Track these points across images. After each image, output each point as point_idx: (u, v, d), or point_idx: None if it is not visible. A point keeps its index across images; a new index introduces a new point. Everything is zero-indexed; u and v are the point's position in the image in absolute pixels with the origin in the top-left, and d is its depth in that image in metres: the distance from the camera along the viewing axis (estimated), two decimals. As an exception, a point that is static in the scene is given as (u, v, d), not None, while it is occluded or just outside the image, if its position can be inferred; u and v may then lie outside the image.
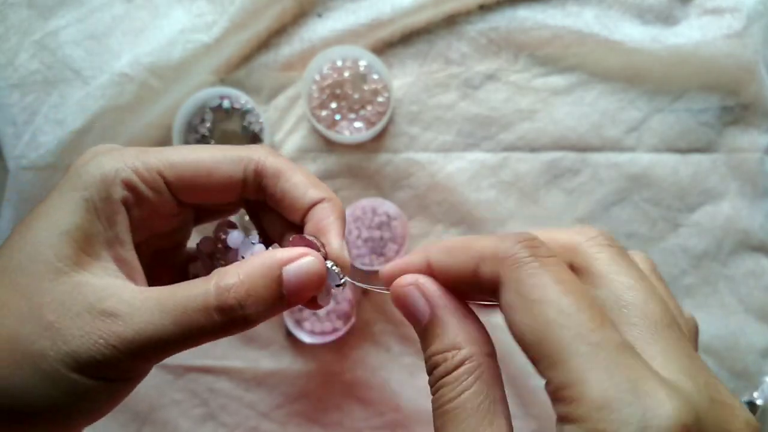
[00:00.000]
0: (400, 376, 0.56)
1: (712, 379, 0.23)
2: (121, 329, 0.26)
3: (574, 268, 0.26)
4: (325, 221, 0.30)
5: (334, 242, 0.30)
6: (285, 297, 0.28)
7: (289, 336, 0.56)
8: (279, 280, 0.28)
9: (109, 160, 0.29)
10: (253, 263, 0.28)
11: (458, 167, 0.56)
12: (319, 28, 0.56)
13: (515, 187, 0.57)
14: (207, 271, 0.29)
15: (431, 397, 0.25)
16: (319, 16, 0.57)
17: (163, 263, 0.35)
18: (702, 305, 0.56)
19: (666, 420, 0.20)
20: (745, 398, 0.55)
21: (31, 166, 0.54)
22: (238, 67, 0.57)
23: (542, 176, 0.57)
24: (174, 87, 0.55)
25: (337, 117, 0.56)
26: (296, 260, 0.28)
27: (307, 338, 0.54)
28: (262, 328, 0.56)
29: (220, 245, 0.33)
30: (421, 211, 0.57)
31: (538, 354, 0.22)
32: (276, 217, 0.33)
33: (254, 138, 0.56)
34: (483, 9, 0.57)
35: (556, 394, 0.21)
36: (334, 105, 0.56)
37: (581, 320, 0.22)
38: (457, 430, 0.23)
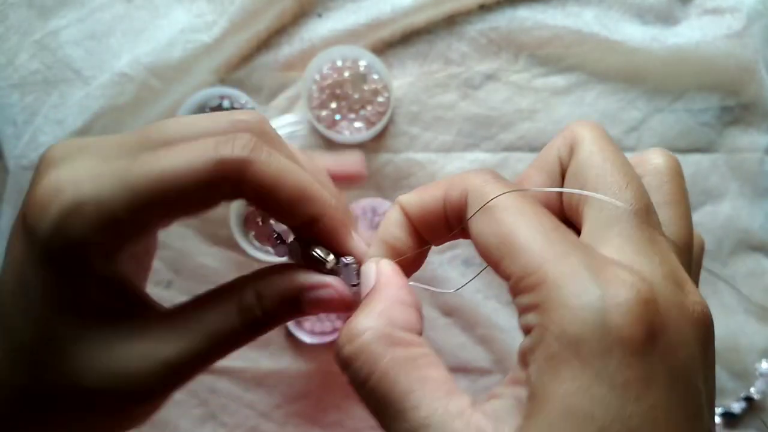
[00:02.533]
0: (400, 376, 0.56)
1: (667, 257, 0.23)
2: None
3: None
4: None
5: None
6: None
7: (289, 336, 0.56)
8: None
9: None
10: None
11: (458, 167, 0.56)
12: (319, 28, 0.56)
13: (515, 187, 0.57)
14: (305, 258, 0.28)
15: None
16: (319, 16, 0.57)
17: None
18: (702, 305, 0.56)
19: (626, 297, 0.20)
20: (743, 394, 0.55)
21: (31, 166, 0.54)
22: (238, 67, 0.57)
23: (542, 176, 0.57)
24: (174, 87, 0.55)
25: (337, 117, 0.56)
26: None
27: (307, 338, 0.54)
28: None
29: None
30: (421, 211, 0.57)
31: (500, 254, 0.23)
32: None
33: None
34: (483, 9, 0.56)
35: (518, 286, 0.22)
36: (334, 105, 0.56)
37: (539, 221, 0.23)
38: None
